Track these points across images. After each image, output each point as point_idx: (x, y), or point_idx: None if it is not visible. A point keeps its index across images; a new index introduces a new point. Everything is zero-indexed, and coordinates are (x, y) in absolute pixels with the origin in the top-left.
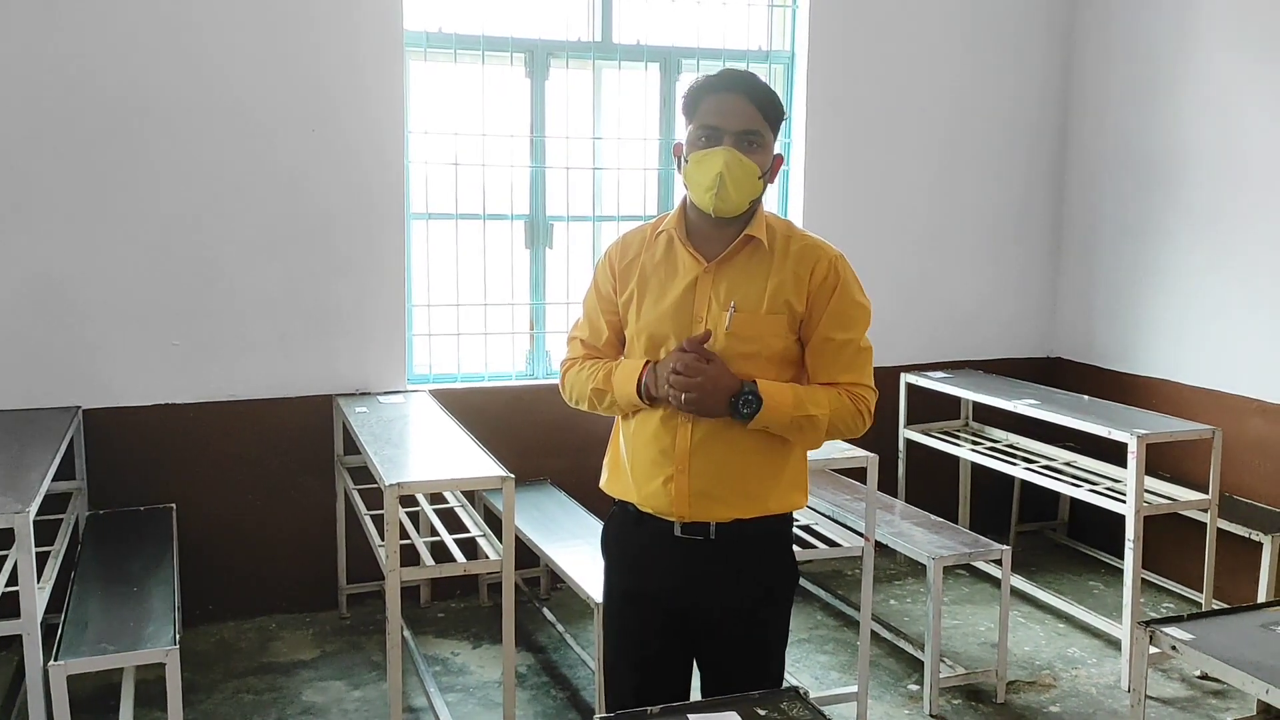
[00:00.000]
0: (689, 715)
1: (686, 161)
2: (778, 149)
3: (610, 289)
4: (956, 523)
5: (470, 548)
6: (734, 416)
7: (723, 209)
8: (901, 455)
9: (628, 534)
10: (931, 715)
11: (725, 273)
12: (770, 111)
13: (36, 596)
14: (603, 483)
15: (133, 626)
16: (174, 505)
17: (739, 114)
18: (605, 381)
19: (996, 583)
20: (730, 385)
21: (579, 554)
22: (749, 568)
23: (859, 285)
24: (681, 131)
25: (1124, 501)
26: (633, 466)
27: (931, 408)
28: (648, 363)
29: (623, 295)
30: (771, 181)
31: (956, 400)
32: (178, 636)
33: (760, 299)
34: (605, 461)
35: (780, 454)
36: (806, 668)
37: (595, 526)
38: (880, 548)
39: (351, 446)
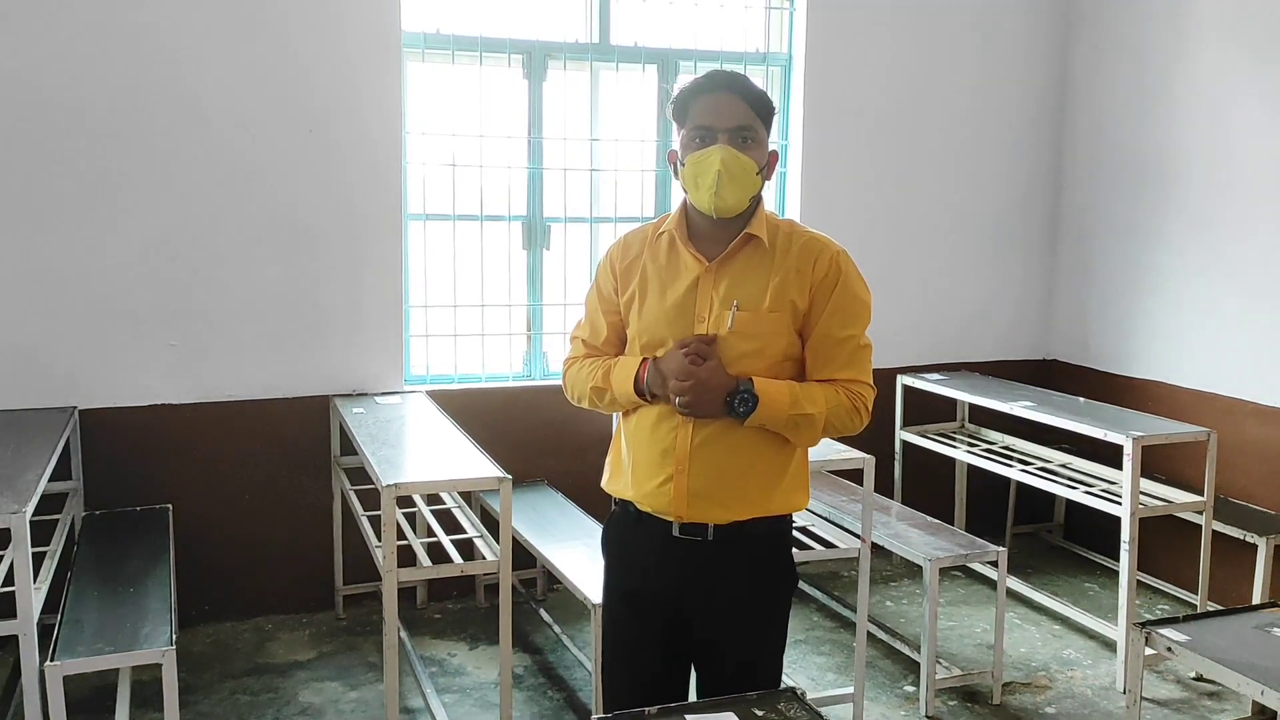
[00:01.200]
0: (686, 716)
1: (683, 165)
2: (772, 146)
3: (611, 289)
4: (952, 524)
5: (467, 548)
6: (730, 415)
7: (723, 208)
8: (898, 457)
9: (627, 534)
10: (927, 716)
11: (726, 272)
12: (761, 108)
13: (33, 597)
14: (604, 482)
15: (129, 627)
16: (170, 506)
17: (730, 112)
18: (604, 380)
19: (992, 584)
20: (725, 384)
21: (576, 555)
22: (748, 569)
23: (862, 281)
24: (674, 138)
25: (1119, 503)
26: (634, 466)
27: (928, 409)
28: (645, 360)
29: (624, 296)
30: (769, 178)
31: (953, 402)
32: (174, 637)
33: (762, 297)
34: (607, 460)
35: (782, 456)
36: (803, 669)
37: (592, 527)
38: (876, 549)
39: (348, 447)
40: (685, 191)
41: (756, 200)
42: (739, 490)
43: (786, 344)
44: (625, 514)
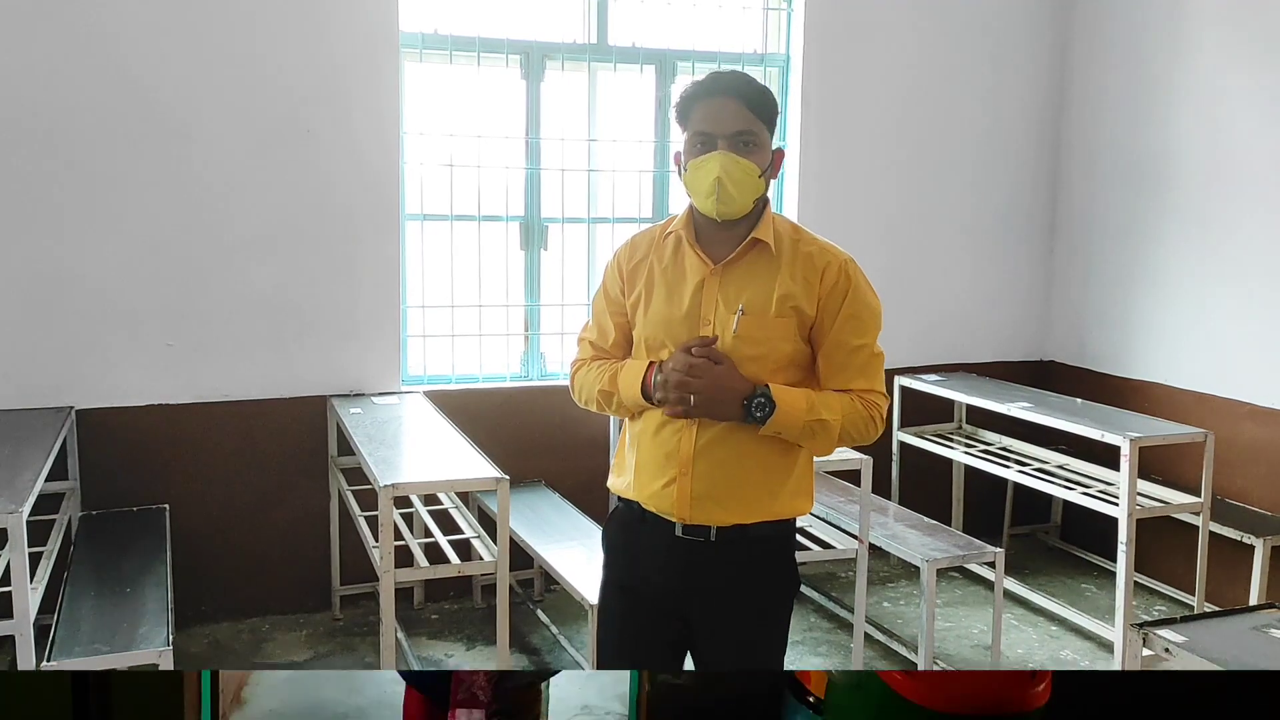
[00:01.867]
0: None
1: (686, 170)
2: (777, 144)
3: (618, 291)
4: (950, 525)
5: (464, 549)
6: (746, 420)
7: (726, 212)
8: (895, 458)
9: (630, 531)
10: None
11: (732, 275)
12: (762, 109)
13: (30, 597)
14: (609, 480)
15: (126, 627)
16: (168, 506)
17: (730, 116)
18: (611, 383)
19: (990, 585)
20: (741, 388)
21: (573, 555)
22: (749, 572)
23: (871, 289)
24: (678, 139)
25: (1117, 504)
26: (638, 467)
27: (925, 410)
28: (652, 363)
29: (630, 297)
30: (774, 177)
31: (950, 403)
32: (171, 637)
33: (768, 302)
34: (613, 460)
35: (786, 459)
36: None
37: (590, 528)
38: (874, 550)
39: (346, 447)
40: (689, 195)
41: (762, 202)
42: (741, 493)
43: (792, 350)
44: (629, 512)
